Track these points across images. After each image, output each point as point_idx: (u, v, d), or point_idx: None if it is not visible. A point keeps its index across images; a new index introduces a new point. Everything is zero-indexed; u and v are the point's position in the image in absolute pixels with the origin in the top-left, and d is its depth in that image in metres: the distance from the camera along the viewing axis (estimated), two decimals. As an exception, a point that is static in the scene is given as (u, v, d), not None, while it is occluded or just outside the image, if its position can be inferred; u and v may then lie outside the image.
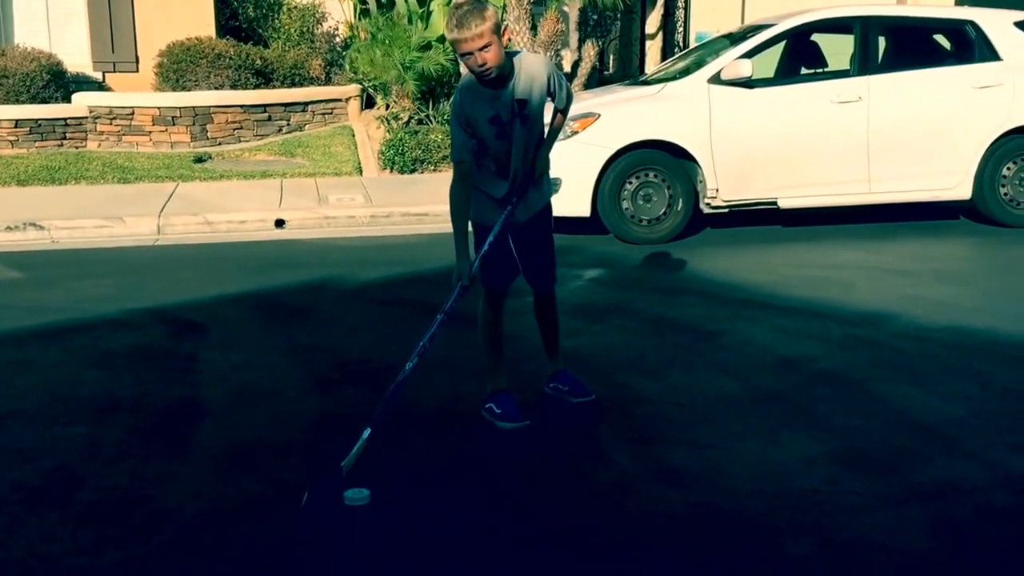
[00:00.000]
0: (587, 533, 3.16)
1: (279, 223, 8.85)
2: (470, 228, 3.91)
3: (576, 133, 7.72)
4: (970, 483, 3.51)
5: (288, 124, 12.65)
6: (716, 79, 7.83)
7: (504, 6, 11.42)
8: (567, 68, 13.82)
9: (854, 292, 6.33)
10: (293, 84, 13.33)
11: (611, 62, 15.26)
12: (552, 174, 4.15)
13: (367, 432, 3.55)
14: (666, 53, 14.62)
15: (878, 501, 3.37)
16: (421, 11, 12.95)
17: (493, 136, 3.83)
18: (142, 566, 2.98)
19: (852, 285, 6.52)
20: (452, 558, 3.01)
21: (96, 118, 11.93)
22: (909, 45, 8.46)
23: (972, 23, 8.16)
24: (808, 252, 7.61)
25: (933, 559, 2.96)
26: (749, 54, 7.92)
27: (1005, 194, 8.08)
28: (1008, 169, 8.04)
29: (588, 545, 3.09)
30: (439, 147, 10.90)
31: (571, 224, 7.77)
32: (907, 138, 7.95)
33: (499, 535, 3.19)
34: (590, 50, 12.90)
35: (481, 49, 3.64)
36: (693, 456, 3.79)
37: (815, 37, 8.65)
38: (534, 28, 11.76)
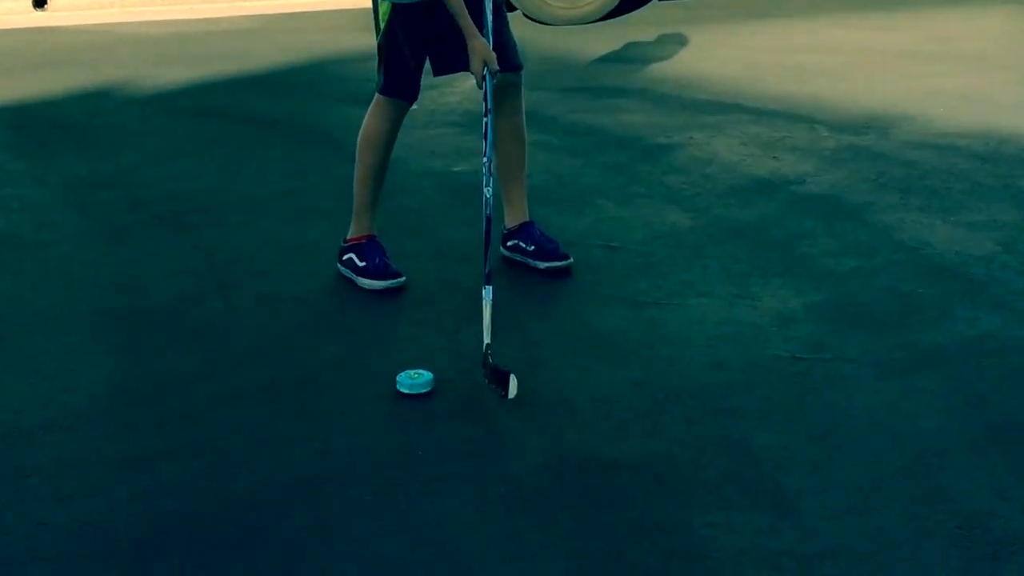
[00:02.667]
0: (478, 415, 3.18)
1: (39, 3, 8.78)
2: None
3: None
4: (1001, 342, 3.59)
5: None
6: None
7: None
8: None
9: (853, 86, 6.35)
10: None
11: None
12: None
13: (489, 292, 3.55)
14: None
15: (878, 371, 3.44)
16: None
17: None
18: None
19: (850, 76, 6.54)
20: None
21: None
22: None
23: None
24: (791, 31, 7.59)
25: (950, 446, 3.02)
26: None
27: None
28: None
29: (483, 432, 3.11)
30: None
31: None
32: None
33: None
34: None
35: None
36: (631, 317, 3.81)
37: None
38: None
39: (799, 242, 4.41)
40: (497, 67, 3.85)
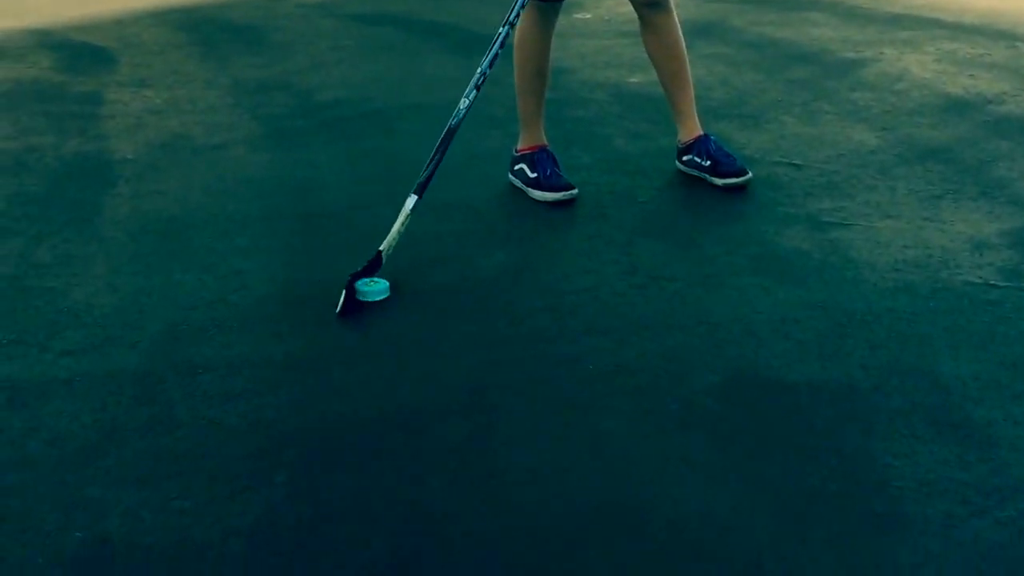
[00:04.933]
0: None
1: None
2: None
3: None
4: None
5: None
6: None
7: None
8: None
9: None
10: None
11: None
12: None
13: (412, 202, 3.59)
14: None
15: (1079, 302, 3.31)
16: None
17: None
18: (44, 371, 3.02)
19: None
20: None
21: None
22: None
23: None
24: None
25: None
26: None
27: None
28: None
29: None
30: None
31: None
32: None
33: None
34: None
35: None
36: (813, 238, 3.73)
37: None
38: None
39: (995, 165, 4.26)
40: None
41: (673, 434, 2.74)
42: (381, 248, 3.52)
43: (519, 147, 4.22)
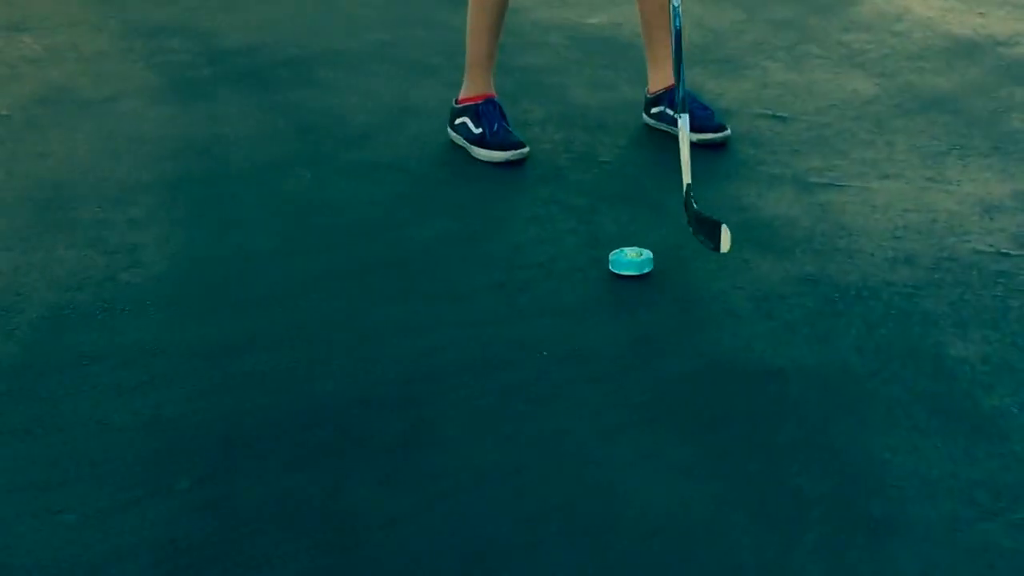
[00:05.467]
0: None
1: None
2: None
3: None
4: None
5: None
6: None
7: None
8: None
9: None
10: None
11: None
12: None
13: (685, 121, 3.60)
14: None
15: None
16: None
17: None
18: None
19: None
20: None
21: None
22: None
23: None
24: None
25: None
26: None
27: None
28: None
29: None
30: None
31: None
32: None
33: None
34: None
35: None
36: (800, 202, 3.75)
37: None
38: None
39: (1008, 116, 4.30)
40: None
41: (641, 428, 2.76)
42: (687, 182, 3.52)
43: (461, 96, 4.20)
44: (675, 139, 4.10)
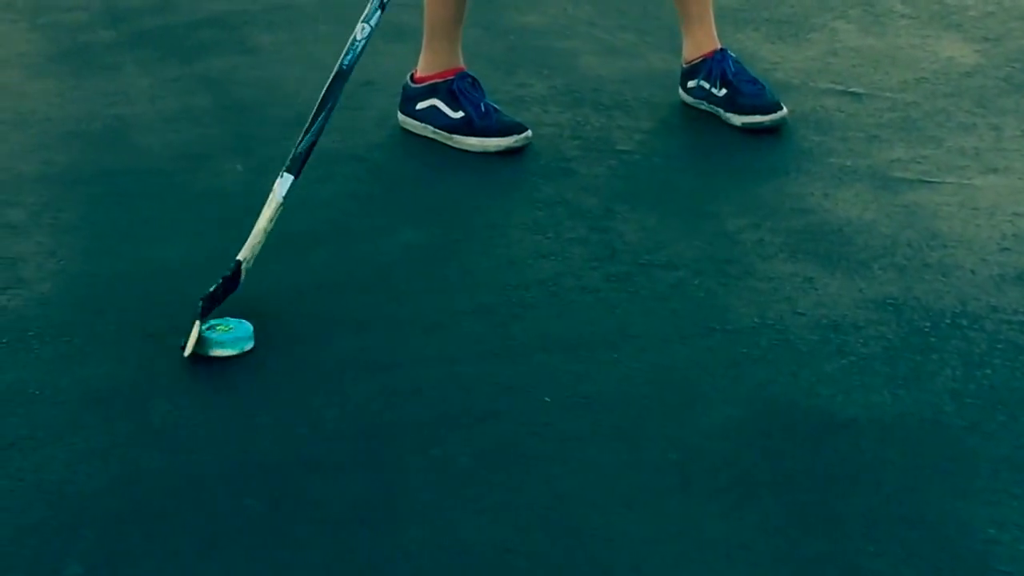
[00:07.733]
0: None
1: None
2: None
3: None
4: None
5: None
6: None
7: None
8: None
9: None
10: None
11: None
12: None
13: (285, 185, 3.46)
14: None
15: None
16: None
17: None
18: None
19: None
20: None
21: None
22: None
23: None
24: None
25: None
26: None
27: None
28: None
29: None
30: None
31: None
32: None
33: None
34: None
35: None
36: (879, 202, 3.76)
37: None
38: None
39: None
40: None
41: (669, 497, 2.76)
42: (240, 258, 3.44)
43: (420, 73, 4.18)
44: (719, 122, 4.13)
